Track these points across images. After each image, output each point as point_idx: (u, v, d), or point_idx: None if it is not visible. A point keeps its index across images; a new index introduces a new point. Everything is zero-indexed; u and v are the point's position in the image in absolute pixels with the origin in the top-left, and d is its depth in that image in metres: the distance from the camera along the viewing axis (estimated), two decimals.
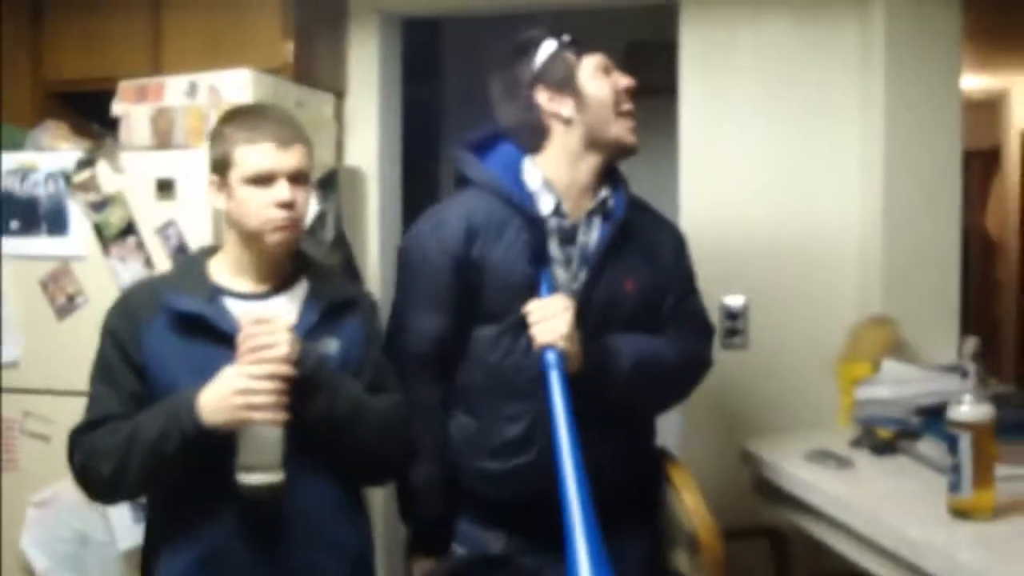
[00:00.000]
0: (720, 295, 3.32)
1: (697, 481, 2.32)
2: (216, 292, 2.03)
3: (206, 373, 1.91)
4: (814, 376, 3.21)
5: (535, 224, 2.14)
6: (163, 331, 1.98)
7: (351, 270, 3.40)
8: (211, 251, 2.17)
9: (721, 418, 3.33)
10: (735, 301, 3.33)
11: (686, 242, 2.42)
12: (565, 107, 2.17)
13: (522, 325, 2.07)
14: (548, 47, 2.20)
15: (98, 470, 1.95)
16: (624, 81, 2.23)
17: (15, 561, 3.03)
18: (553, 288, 2.12)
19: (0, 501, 3.04)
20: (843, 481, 2.49)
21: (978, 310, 6.65)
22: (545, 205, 2.17)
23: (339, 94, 3.65)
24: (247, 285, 2.07)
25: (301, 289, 2.10)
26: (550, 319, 2.02)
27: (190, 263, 2.13)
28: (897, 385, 2.82)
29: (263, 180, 1.98)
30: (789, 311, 3.32)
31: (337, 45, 3.67)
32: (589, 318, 2.11)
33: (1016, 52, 5.38)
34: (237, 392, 1.85)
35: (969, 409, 2.12)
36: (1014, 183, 6.93)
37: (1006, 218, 7.09)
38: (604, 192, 2.21)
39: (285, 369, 1.88)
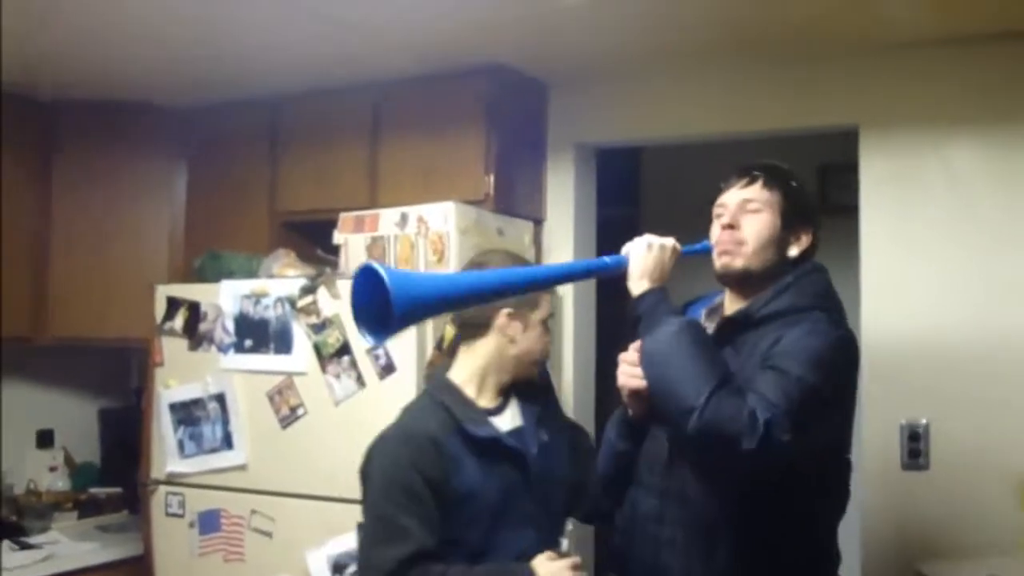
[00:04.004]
0: (901, 415, 3.36)
1: None
2: (484, 413, 2.37)
3: (502, 484, 2.28)
4: (998, 499, 3.17)
5: None
6: (463, 456, 2.27)
7: (547, 386, 3.61)
8: (446, 374, 2.47)
9: (901, 540, 3.33)
10: (917, 421, 3.35)
11: (814, 327, 2.02)
12: None
13: None
14: None
15: None
16: None
17: None
18: None
19: None
20: None
21: None
22: None
23: (537, 221, 3.92)
24: (488, 401, 2.40)
25: (513, 398, 2.45)
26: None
27: (453, 391, 2.38)
28: None
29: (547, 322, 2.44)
30: (972, 432, 3.28)
31: (535, 176, 3.95)
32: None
33: None
34: None
35: None
36: None
37: None
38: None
39: None
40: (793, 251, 2.18)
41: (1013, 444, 3.18)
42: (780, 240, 2.16)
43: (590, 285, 4.06)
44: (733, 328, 2.14)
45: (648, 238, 2.16)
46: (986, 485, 3.23)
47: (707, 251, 2.18)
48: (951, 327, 3.35)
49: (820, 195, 4.57)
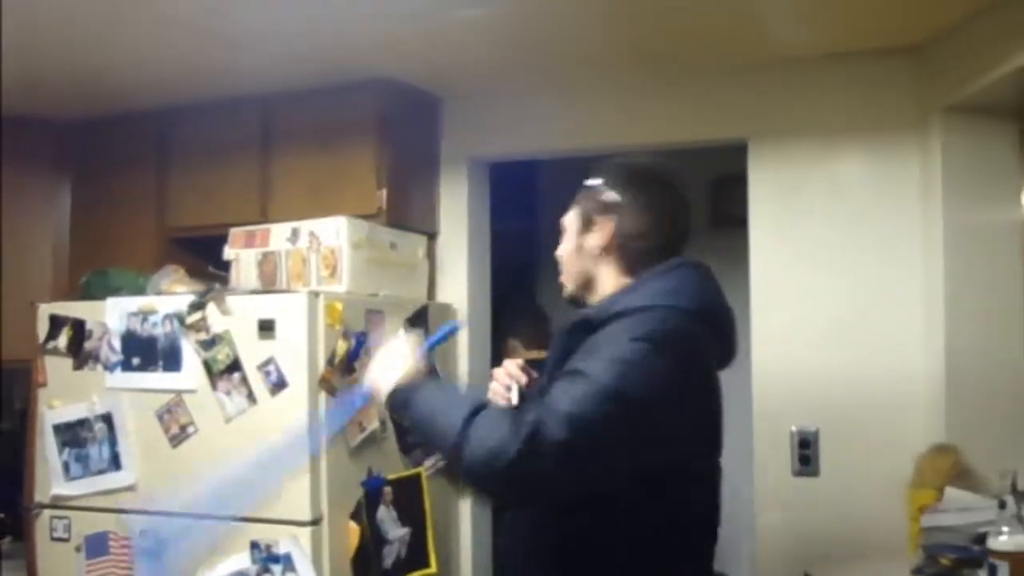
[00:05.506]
0: (792, 422, 3.44)
1: None
2: None
3: None
4: (885, 503, 3.25)
5: None
6: None
7: None
8: None
9: (793, 544, 3.40)
10: (807, 429, 3.43)
11: (628, 324, 1.83)
12: None
13: None
14: None
15: None
16: None
17: None
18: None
19: None
20: None
21: None
22: None
23: (431, 235, 3.92)
24: None
25: None
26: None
27: None
28: (959, 513, 2.89)
29: None
30: (859, 439, 3.37)
31: (429, 190, 3.96)
32: None
33: None
34: None
35: (1007, 539, 2.20)
36: None
37: None
38: None
39: None
40: (592, 241, 2.06)
41: (900, 450, 3.25)
42: (581, 247, 2.10)
43: (484, 295, 4.08)
44: (577, 331, 1.93)
45: (382, 353, 2.00)
46: (874, 490, 3.31)
47: (455, 332, 2.12)
48: (838, 335, 3.44)
49: (712, 208, 4.67)
